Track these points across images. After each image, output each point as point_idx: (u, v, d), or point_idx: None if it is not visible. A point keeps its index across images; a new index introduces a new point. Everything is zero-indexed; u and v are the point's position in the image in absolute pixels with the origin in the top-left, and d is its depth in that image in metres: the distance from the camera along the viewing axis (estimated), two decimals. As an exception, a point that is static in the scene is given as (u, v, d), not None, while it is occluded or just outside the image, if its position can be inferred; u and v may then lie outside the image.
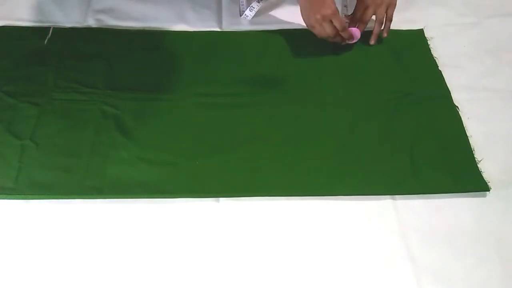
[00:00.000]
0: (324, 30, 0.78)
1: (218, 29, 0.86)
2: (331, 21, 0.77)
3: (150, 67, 0.79)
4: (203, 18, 0.87)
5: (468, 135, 0.72)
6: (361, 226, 0.63)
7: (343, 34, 0.79)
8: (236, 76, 0.79)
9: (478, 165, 0.68)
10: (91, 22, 0.85)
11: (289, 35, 0.85)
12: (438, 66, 0.81)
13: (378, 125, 0.73)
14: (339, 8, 0.84)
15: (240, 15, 0.87)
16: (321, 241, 0.62)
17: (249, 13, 0.86)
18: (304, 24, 0.81)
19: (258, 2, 0.86)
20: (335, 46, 0.83)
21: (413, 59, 0.82)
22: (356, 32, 0.82)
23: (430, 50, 0.83)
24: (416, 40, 0.86)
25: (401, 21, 0.86)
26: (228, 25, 0.87)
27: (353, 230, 0.63)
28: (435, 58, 0.82)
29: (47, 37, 0.82)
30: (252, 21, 0.87)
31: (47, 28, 0.83)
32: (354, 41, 0.83)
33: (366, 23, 0.83)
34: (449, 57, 0.83)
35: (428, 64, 0.82)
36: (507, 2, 0.93)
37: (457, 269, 0.60)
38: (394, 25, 0.83)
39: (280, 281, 0.58)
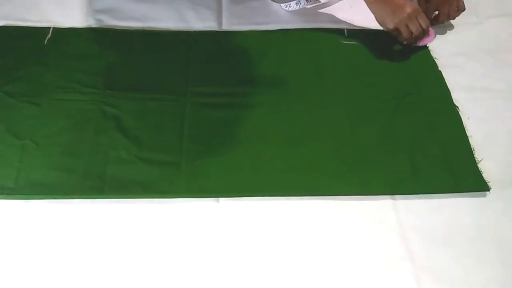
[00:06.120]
0: (410, 30, 0.79)
1: (218, 29, 0.86)
2: (416, 19, 0.78)
3: (150, 67, 0.79)
4: (203, 18, 0.87)
5: (468, 135, 0.72)
6: (361, 226, 0.63)
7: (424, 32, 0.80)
8: (236, 76, 0.79)
9: (478, 165, 0.69)
10: (91, 22, 0.85)
11: (289, 35, 0.85)
12: (438, 66, 0.81)
13: (378, 125, 0.73)
14: None
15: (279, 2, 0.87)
16: (321, 241, 0.62)
17: (294, 6, 0.86)
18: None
19: (307, 1, 0.86)
20: (406, 48, 0.83)
21: (413, 59, 0.82)
22: (432, 32, 0.83)
23: (429, 51, 0.83)
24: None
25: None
26: (228, 25, 0.86)
27: (353, 230, 0.63)
28: (435, 58, 0.82)
29: (47, 37, 0.81)
30: (252, 21, 0.87)
31: (47, 28, 0.83)
32: (430, 40, 0.83)
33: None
34: (449, 57, 0.83)
35: (428, 64, 0.82)
36: (507, 2, 0.93)
37: (457, 269, 0.60)
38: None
39: (280, 281, 0.58)
